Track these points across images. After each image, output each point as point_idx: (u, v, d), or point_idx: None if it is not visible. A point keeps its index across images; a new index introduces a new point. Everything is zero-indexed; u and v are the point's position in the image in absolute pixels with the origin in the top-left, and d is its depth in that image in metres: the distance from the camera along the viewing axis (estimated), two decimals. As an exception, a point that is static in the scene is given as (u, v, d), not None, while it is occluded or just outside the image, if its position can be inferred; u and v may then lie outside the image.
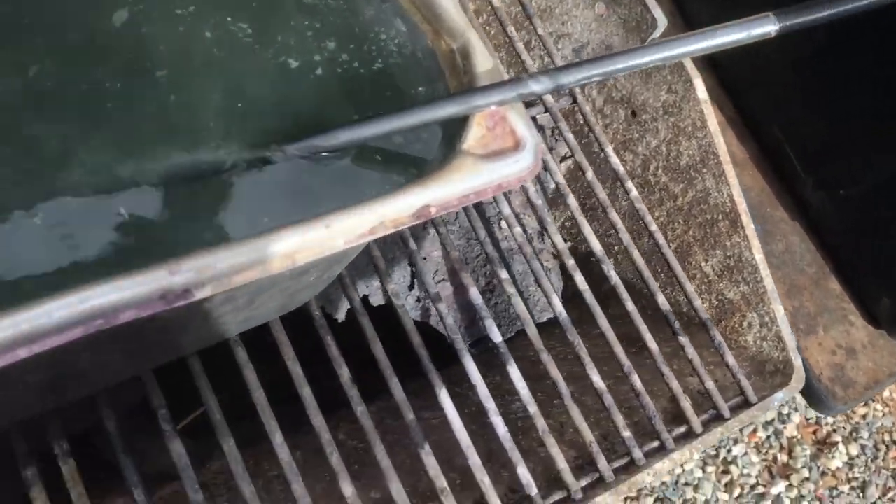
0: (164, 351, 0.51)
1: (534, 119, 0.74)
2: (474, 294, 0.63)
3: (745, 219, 0.69)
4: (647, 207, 0.79)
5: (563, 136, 0.72)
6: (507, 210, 0.67)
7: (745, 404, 0.67)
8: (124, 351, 0.45)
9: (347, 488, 0.55)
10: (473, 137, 0.41)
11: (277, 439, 0.55)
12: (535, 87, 0.41)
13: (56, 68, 0.39)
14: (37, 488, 0.50)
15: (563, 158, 0.81)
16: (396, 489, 0.56)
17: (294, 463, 0.55)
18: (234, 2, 0.44)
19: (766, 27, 0.42)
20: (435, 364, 0.61)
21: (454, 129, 0.42)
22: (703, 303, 0.76)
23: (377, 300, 0.72)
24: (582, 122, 0.79)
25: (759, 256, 0.69)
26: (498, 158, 0.41)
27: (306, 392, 0.57)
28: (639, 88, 0.75)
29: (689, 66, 0.70)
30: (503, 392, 0.71)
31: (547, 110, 0.73)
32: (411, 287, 0.72)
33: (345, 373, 0.58)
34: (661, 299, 0.68)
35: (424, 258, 0.73)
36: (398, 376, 0.59)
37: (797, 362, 0.68)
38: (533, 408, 0.61)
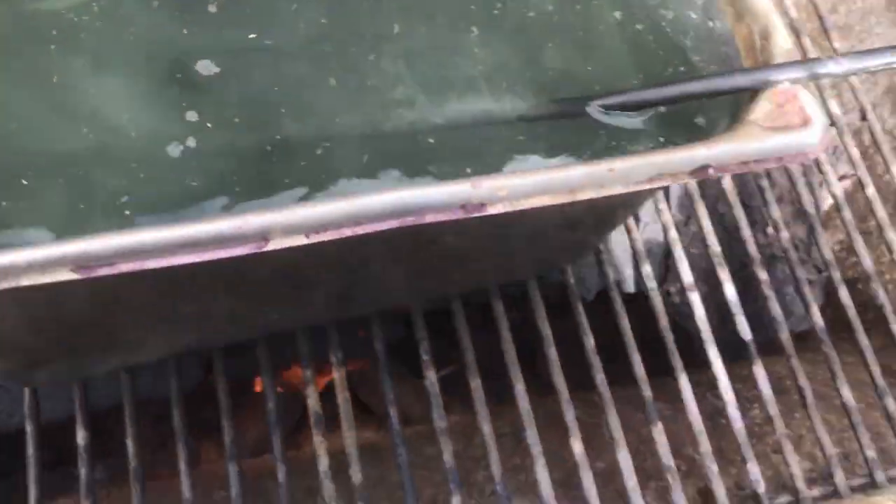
0: (435, 282, 0.56)
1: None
2: (729, 290, 0.63)
3: None
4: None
5: (846, 151, 0.70)
6: (776, 213, 0.66)
7: None
8: (406, 271, 0.50)
9: (577, 445, 0.57)
10: (761, 111, 0.42)
11: (519, 388, 0.59)
12: (834, 67, 0.42)
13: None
14: (311, 389, 0.58)
15: (842, 177, 0.78)
16: (623, 456, 0.57)
17: (531, 414, 0.58)
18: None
19: None
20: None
21: (742, 105, 0.44)
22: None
23: (627, 288, 0.74)
24: (869, 140, 0.76)
25: None
26: (783, 131, 0.42)
27: (552, 352, 0.60)
28: (937, 110, 0.71)
29: None
30: (742, 398, 0.70)
31: (833, 124, 0.72)
32: (663, 281, 0.74)
33: (590, 341, 0.61)
34: (934, 330, 0.64)
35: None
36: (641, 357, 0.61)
37: None
38: (774, 409, 0.60)
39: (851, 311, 0.64)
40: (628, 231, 0.64)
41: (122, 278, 0.37)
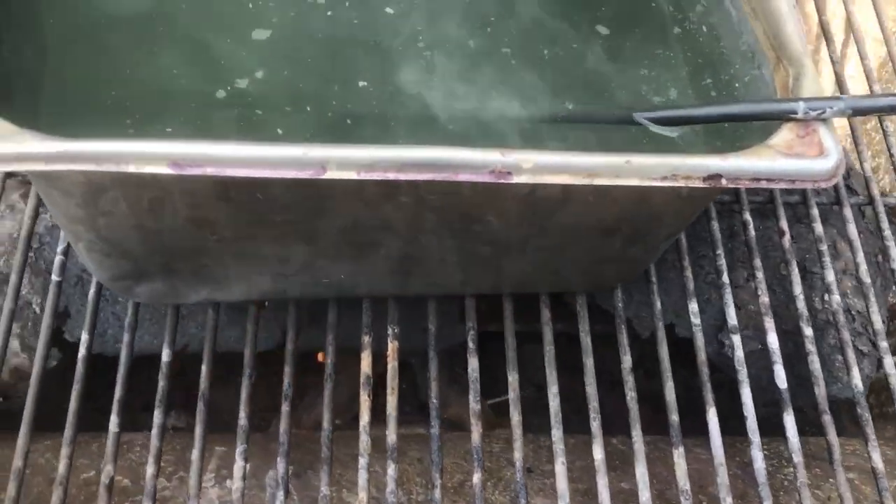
0: (484, 272, 0.62)
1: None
2: (772, 339, 0.66)
3: None
4: None
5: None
6: (830, 277, 0.69)
7: None
8: (457, 251, 0.57)
9: (598, 452, 0.61)
10: (781, 139, 0.47)
11: (553, 390, 0.63)
12: (839, 105, 0.46)
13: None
14: (366, 353, 0.65)
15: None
16: (641, 472, 0.60)
17: (560, 413, 0.62)
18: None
19: None
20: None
21: (768, 132, 0.48)
22: None
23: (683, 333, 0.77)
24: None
25: None
26: (798, 157, 0.46)
27: (589, 362, 0.64)
28: None
29: None
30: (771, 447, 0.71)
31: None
32: (720, 330, 0.76)
33: (627, 360, 0.65)
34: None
35: (739, 307, 0.76)
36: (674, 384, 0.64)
37: None
38: (798, 457, 0.61)
39: (893, 379, 0.65)
40: (682, 268, 0.69)
41: (212, 200, 0.46)
